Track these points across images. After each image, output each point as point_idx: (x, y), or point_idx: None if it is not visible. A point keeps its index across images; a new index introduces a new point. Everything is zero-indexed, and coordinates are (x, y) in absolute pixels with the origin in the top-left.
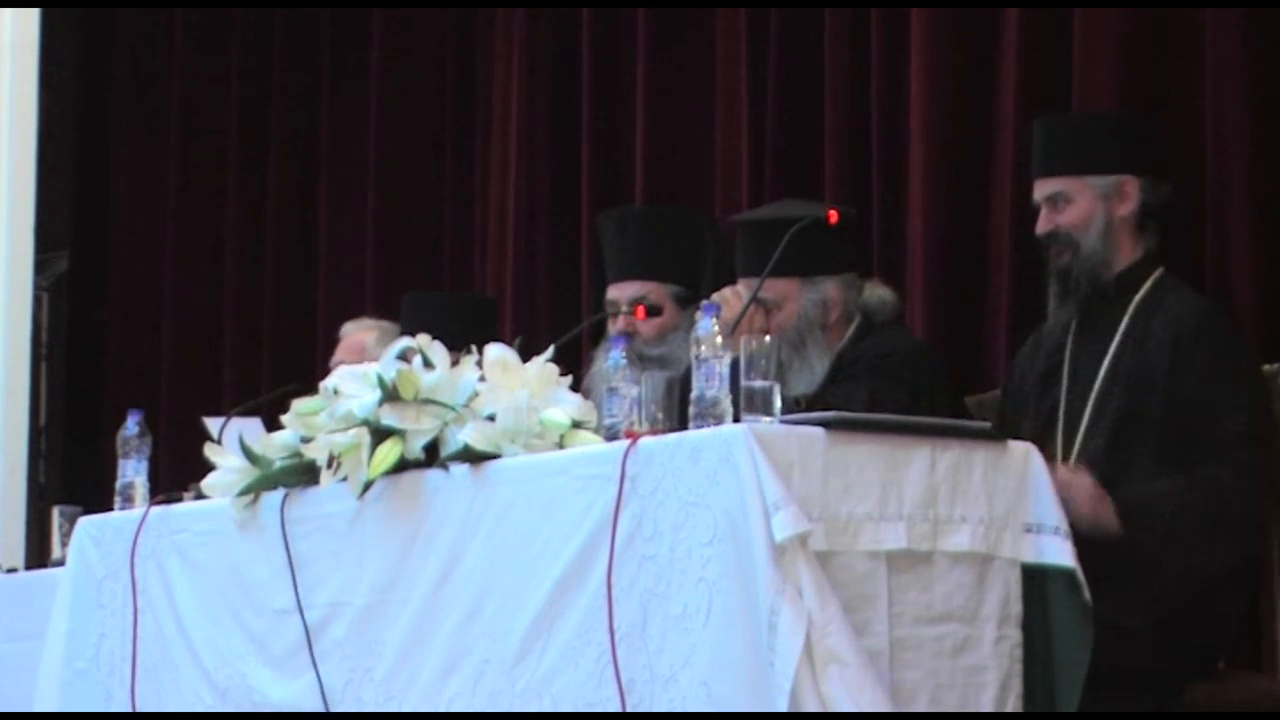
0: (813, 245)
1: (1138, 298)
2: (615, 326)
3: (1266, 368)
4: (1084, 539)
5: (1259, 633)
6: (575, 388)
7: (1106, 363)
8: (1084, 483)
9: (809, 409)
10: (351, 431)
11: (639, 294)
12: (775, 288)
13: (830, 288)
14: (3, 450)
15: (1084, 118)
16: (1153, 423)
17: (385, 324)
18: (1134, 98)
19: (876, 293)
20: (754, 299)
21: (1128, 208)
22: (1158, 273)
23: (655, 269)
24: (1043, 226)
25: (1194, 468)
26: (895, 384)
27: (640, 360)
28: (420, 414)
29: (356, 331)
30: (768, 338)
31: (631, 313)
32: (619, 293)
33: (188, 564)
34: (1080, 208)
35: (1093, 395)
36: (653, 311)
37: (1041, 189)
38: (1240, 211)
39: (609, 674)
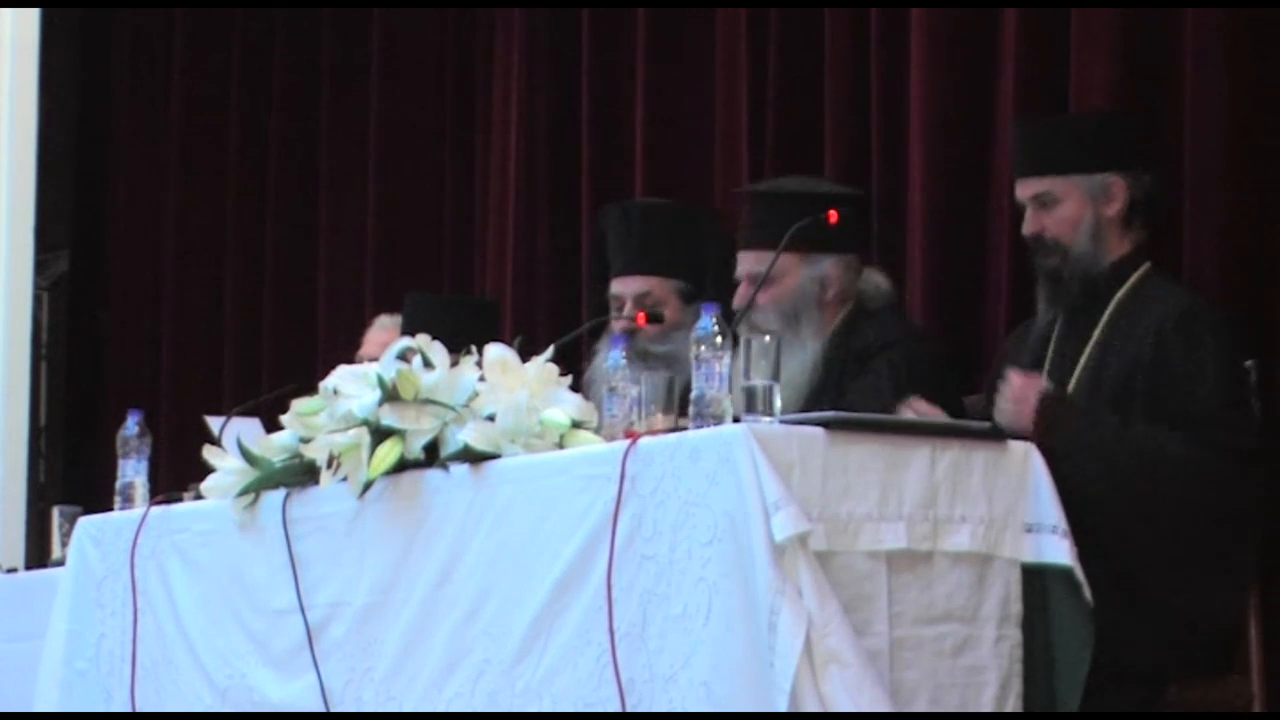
0: (814, 224)
1: (1122, 292)
2: (616, 326)
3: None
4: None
5: (1233, 632)
6: (575, 387)
7: (1088, 351)
8: (1017, 384)
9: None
10: (351, 431)
11: (643, 290)
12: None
13: (829, 266)
14: (3, 450)
15: (1068, 118)
16: (1136, 405)
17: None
18: (1132, 95)
19: (872, 280)
20: (767, 274)
21: (1115, 207)
22: (1144, 267)
23: (659, 265)
24: (1029, 227)
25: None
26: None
27: (644, 358)
28: (420, 414)
29: (393, 328)
30: (767, 337)
31: (634, 316)
32: (623, 288)
33: (188, 564)
34: (1069, 208)
35: (1070, 385)
36: (654, 319)
37: (1026, 188)
38: (1217, 208)
39: (609, 674)
